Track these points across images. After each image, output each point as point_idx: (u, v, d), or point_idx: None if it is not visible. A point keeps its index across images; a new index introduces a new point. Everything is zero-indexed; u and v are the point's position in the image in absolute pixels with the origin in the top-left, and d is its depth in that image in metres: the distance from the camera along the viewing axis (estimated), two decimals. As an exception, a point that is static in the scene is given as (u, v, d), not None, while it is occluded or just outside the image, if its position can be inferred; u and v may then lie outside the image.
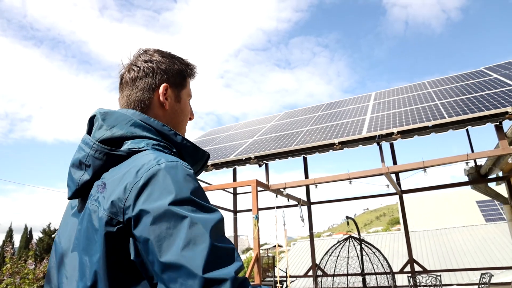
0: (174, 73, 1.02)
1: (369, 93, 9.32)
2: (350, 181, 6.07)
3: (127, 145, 0.86)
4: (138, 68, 1.00)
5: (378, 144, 5.69)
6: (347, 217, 7.25)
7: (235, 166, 6.87)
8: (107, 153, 0.85)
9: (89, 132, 0.92)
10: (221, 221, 0.73)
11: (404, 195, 7.97)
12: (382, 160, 5.65)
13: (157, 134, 0.91)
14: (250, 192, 7.30)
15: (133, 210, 0.73)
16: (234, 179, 9.28)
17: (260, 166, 6.77)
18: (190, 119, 1.09)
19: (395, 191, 7.58)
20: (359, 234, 7.19)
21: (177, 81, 1.03)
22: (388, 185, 6.47)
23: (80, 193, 0.88)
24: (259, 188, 6.44)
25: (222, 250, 0.69)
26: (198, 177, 7.36)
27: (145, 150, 0.84)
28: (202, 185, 7.68)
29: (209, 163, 6.86)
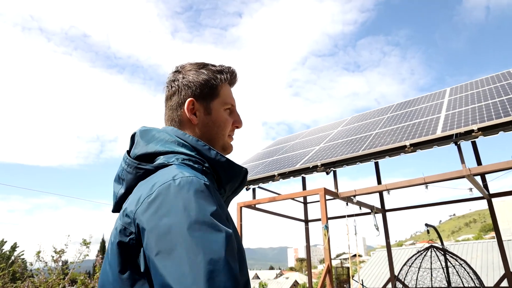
0: (199, 85, 1.00)
1: (444, 89, 8.68)
2: (426, 186, 5.70)
3: (159, 160, 0.88)
4: (169, 87, 1.04)
5: (456, 143, 5.24)
6: (426, 224, 6.75)
7: (302, 175, 6.79)
8: (136, 167, 0.87)
9: (130, 149, 0.96)
10: (230, 241, 0.70)
11: (496, 199, 7.18)
12: (462, 161, 5.18)
13: (192, 149, 0.91)
14: (319, 201, 7.16)
15: (141, 223, 0.74)
16: (304, 187, 9.19)
17: (327, 173, 6.62)
18: (237, 127, 1.06)
19: (481, 195, 6.87)
20: (442, 243, 6.63)
21: (205, 93, 1.01)
22: (471, 189, 5.89)
23: (118, 207, 0.91)
24: (328, 197, 6.29)
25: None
26: (263, 185, 7.47)
27: (172, 165, 0.84)
28: (269, 195, 7.72)
29: (276, 173, 6.89)
